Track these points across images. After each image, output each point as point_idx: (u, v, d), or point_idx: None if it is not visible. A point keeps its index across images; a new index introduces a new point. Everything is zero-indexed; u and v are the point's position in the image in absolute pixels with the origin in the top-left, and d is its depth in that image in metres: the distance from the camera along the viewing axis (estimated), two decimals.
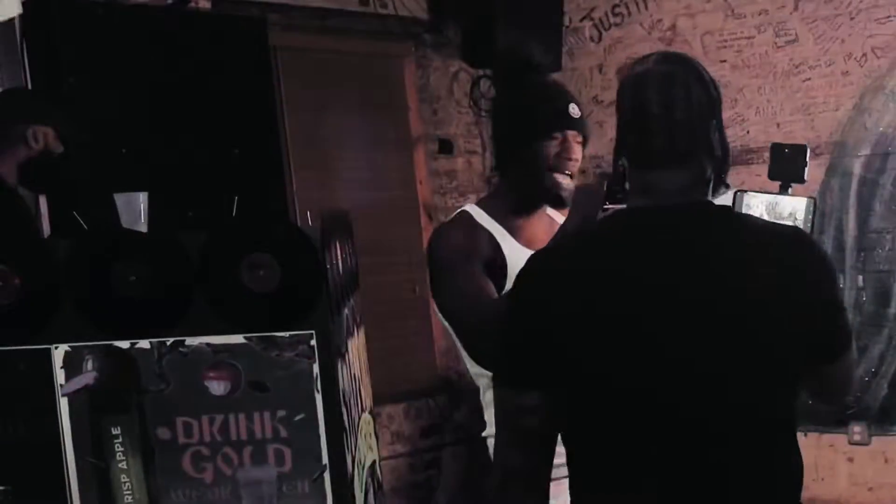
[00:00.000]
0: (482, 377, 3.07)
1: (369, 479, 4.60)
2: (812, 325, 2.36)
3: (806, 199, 3.07)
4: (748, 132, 6.36)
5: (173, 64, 4.51)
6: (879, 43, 6.00)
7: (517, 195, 3.10)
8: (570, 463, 2.46)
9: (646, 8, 6.57)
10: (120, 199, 3.75)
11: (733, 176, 6.47)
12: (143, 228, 3.74)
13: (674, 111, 2.35)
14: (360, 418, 4.48)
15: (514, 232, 3.06)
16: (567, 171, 3.06)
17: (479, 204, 3.13)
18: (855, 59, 6.06)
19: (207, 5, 5.20)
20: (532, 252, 2.68)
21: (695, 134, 2.39)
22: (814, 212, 3.19)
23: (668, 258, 2.34)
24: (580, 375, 2.34)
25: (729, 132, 6.46)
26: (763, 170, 6.19)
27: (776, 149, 2.80)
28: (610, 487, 2.38)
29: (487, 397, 3.02)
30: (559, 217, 3.20)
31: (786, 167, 3.31)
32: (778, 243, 2.42)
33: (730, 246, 2.39)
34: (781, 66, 6.28)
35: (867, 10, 6.05)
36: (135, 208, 3.73)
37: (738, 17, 6.35)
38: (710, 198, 2.46)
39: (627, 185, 2.45)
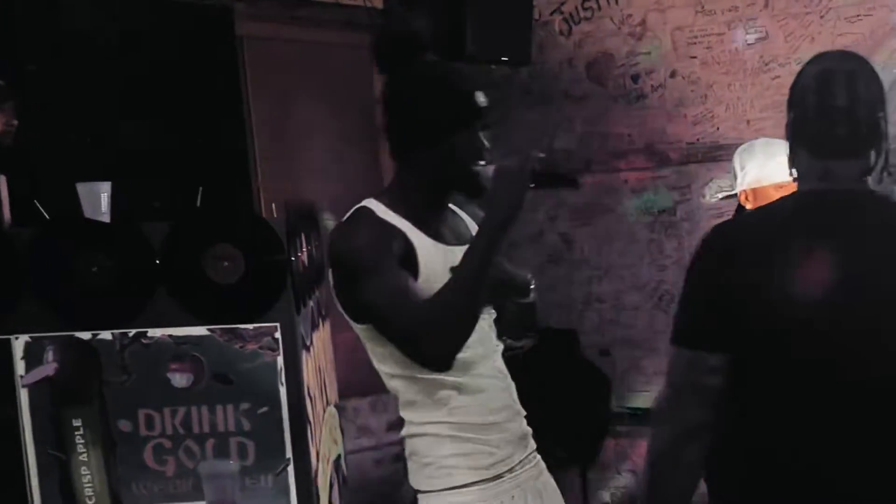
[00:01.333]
0: (398, 378, 2.90)
1: (334, 474, 4.62)
2: None
3: None
4: (718, 128, 6.39)
5: (138, 53, 4.52)
6: (849, 41, 6.02)
7: (426, 189, 2.88)
8: (729, 424, 2.65)
9: (616, 2, 6.58)
10: (82, 188, 3.75)
11: (703, 172, 6.54)
12: (106, 218, 3.75)
13: (857, 105, 2.60)
14: (325, 412, 4.50)
15: (421, 226, 2.85)
16: (481, 161, 2.85)
17: (379, 199, 2.89)
18: None
19: None
20: (441, 245, 2.85)
21: (873, 127, 2.63)
22: None
23: (844, 238, 2.56)
24: (761, 340, 2.55)
25: (698, 129, 6.54)
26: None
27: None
28: (774, 451, 2.60)
29: (407, 396, 2.89)
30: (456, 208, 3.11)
31: None
32: None
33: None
34: (752, 62, 6.30)
35: (837, 8, 6.08)
36: (97, 198, 3.74)
37: (708, 13, 6.39)
38: (873, 186, 2.68)
39: (794, 172, 2.69)
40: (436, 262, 2.83)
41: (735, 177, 4.19)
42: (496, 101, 3.00)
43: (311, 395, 4.10)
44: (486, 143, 2.86)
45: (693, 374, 2.64)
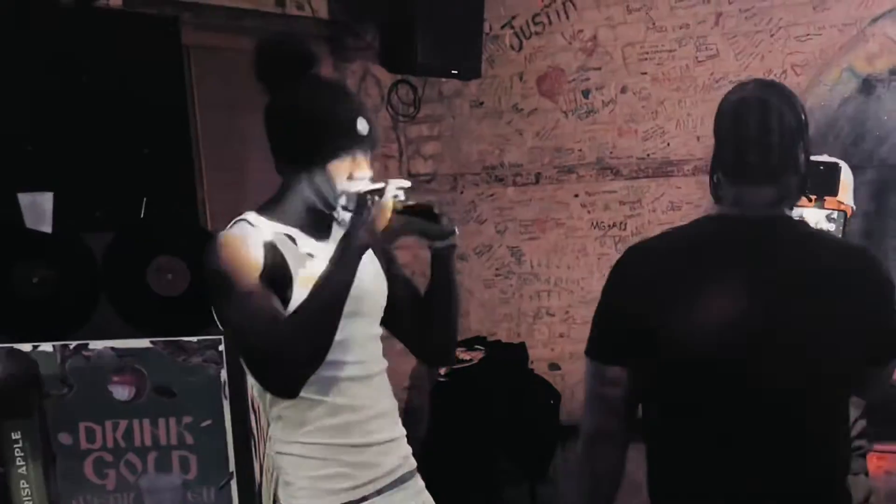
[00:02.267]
0: (266, 395, 2.85)
1: (278, 487, 4.62)
2: (872, 332, 2.68)
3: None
4: (668, 144, 6.42)
5: (84, 62, 4.49)
6: (799, 60, 6.10)
7: (303, 207, 2.86)
8: (646, 431, 2.83)
9: (567, 18, 6.62)
10: (24, 198, 3.74)
11: (653, 188, 6.57)
12: (48, 229, 3.73)
13: (769, 134, 2.68)
14: (269, 425, 4.51)
15: (296, 239, 2.83)
16: (352, 190, 2.83)
17: (260, 211, 2.86)
18: (775, 75, 6.12)
19: (119, 3, 5.17)
20: (319, 263, 2.80)
21: (785, 155, 2.70)
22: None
23: (752, 261, 2.66)
24: (666, 354, 2.66)
25: (648, 144, 6.57)
26: (684, 182, 6.37)
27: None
28: (684, 454, 2.76)
29: (273, 413, 2.85)
30: None
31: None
32: (847, 256, 2.76)
33: (806, 255, 2.71)
34: (702, 79, 6.33)
35: (787, 27, 6.12)
36: (40, 208, 3.73)
37: (659, 30, 6.42)
38: (789, 212, 2.78)
39: (714, 196, 2.79)
40: (308, 277, 2.79)
41: None
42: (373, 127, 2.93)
43: (256, 407, 4.09)
44: (368, 171, 2.86)
45: (596, 384, 2.80)
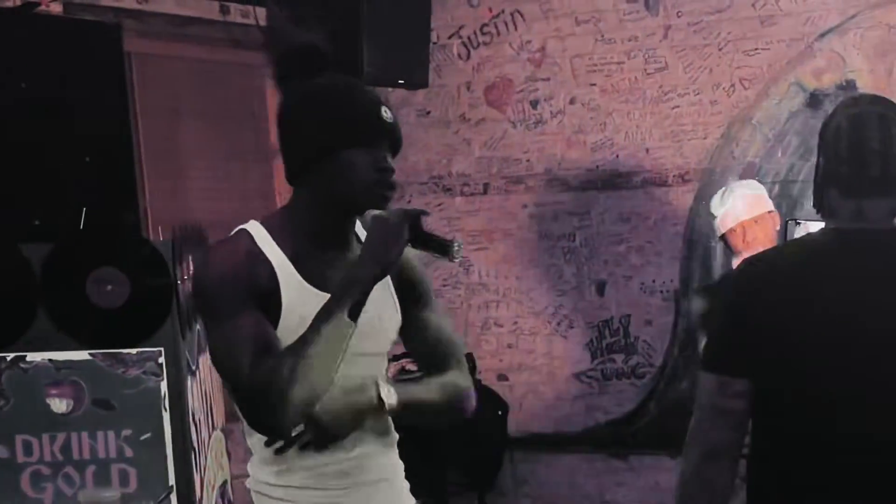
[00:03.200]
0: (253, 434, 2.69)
1: (219, 499, 4.59)
2: None
3: None
4: (617, 156, 6.45)
5: (22, 68, 4.45)
6: (746, 74, 6.15)
7: (322, 212, 2.65)
8: (756, 445, 2.86)
9: (515, 28, 6.63)
10: None
11: (602, 199, 6.59)
12: None
13: (890, 147, 2.75)
14: (211, 437, 4.48)
15: (299, 262, 2.61)
16: (387, 186, 2.67)
17: (264, 221, 2.66)
18: (723, 88, 6.19)
19: (60, 9, 5.13)
20: (313, 290, 2.62)
21: None
22: None
23: (879, 273, 2.75)
24: (788, 368, 2.73)
25: (597, 156, 6.60)
26: (632, 194, 6.40)
27: None
28: (802, 469, 2.78)
29: (247, 443, 2.72)
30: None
31: None
32: None
33: None
34: (651, 92, 6.39)
35: (735, 41, 6.18)
36: None
37: (608, 41, 6.44)
38: None
39: (826, 211, 2.86)
40: (302, 306, 2.58)
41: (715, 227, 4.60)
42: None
43: (197, 420, 4.07)
44: (391, 164, 2.68)
45: (718, 398, 2.82)
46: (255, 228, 2.65)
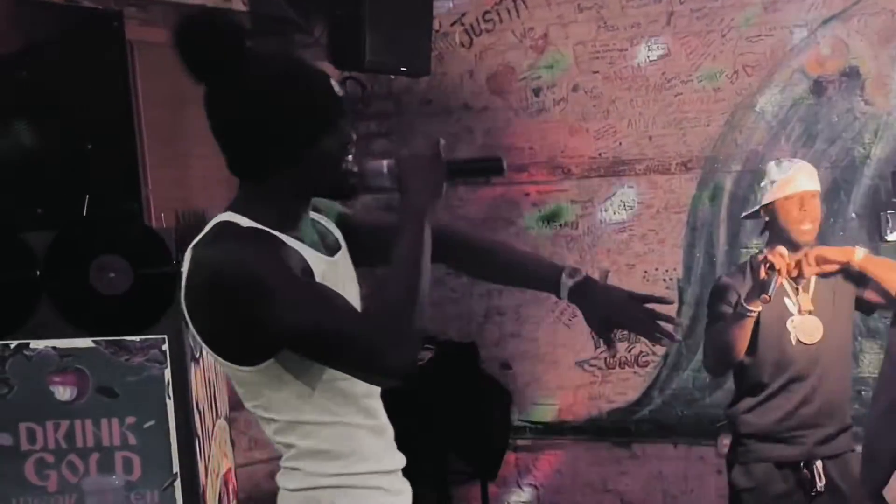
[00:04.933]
0: (304, 425, 2.54)
1: (224, 488, 4.61)
2: None
3: None
4: (620, 144, 6.45)
5: (24, 56, 4.47)
6: (750, 61, 6.15)
7: (285, 199, 2.51)
8: None
9: (517, 15, 6.63)
10: None
11: (605, 186, 6.59)
12: None
13: None
14: (215, 425, 4.50)
15: (296, 237, 2.51)
16: (350, 158, 2.53)
17: (238, 211, 2.49)
18: (726, 75, 6.20)
19: None
20: (324, 257, 2.56)
21: None
22: None
23: None
24: None
25: (600, 143, 6.60)
26: (635, 181, 6.40)
27: None
28: None
29: (310, 445, 2.55)
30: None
31: None
32: None
33: None
34: (654, 79, 6.39)
35: (738, 28, 6.17)
36: None
37: (610, 28, 6.45)
38: None
39: None
40: (328, 274, 2.51)
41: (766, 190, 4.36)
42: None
43: (200, 408, 4.09)
44: (352, 134, 2.54)
45: None
46: (238, 219, 2.48)
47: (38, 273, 3.73)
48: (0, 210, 3.76)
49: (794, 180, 4.29)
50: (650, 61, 6.42)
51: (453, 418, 6.33)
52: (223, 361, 2.49)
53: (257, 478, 6.33)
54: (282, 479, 2.63)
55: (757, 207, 4.36)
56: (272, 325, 2.34)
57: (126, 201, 4.41)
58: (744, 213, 4.63)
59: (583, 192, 6.59)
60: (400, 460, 2.77)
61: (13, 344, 3.73)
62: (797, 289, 4.28)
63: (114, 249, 3.74)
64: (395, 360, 2.37)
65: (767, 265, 3.99)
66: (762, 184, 4.36)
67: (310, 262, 2.47)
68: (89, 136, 4.44)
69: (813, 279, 4.33)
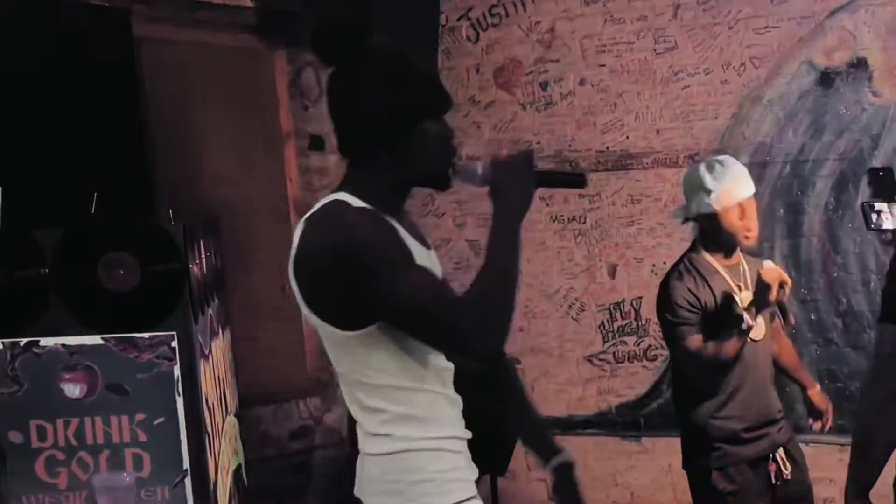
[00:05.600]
0: (399, 390, 2.68)
1: (233, 484, 4.62)
2: None
3: None
4: (627, 137, 6.44)
5: (33, 54, 4.47)
6: (757, 53, 6.15)
7: (389, 187, 2.69)
8: None
9: (524, 10, 6.62)
10: None
11: (613, 181, 6.59)
12: None
13: None
14: (224, 421, 4.50)
15: (401, 225, 2.69)
16: (454, 151, 2.74)
17: (350, 192, 2.67)
18: (733, 68, 6.18)
19: None
20: (423, 248, 2.73)
21: None
22: None
23: None
24: None
25: (607, 137, 6.59)
26: (643, 175, 6.40)
27: (872, 172, 3.81)
28: None
29: (401, 410, 2.69)
30: None
31: (886, 185, 4.41)
32: None
33: None
34: (661, 72, 6.38)
35: (745, 20, 6.16)
36: None
37: (617, 22, 6.45)
38: None
39: None
40: (425, 264, 2.66)
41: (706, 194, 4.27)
42: None
43: (210, 404, 4.09)
44: (453, 131, 2.75)
45: None
46: (349, 198, 2.66)
47: (46, 271, 3.74)
48: (10, 209, 3.76)
49: (732, 190, 4.25)
50: (657, 54, 6.41)
51: (463, 414, 6.33)
52: (325, 324, 2.64)
53: (267, 475, 6.35)
54: (368, 445, 2.78)
55: (694, 215, 4.33)
56: (382, 298, 2.52)
57: (133, 198, 4.43)
58: (675, 215, 4.57)
59: (591, 185, 6.58)
60: (467, 431, 2.89)
61: (23, 342, 3.74)
62: (739, 285, 4.27)
63: (122, 246, 3.74)
64: (489, 345, 2.55)
65: (777, 283, 3.99)
66: (696, 192, 4.29)
67: (412, 249, 2.64)
68: (98, 134, 4.46)
69: (748, 275, 4.35)
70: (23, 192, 3.90)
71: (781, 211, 6.17)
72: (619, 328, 6.64)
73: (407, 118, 2.65)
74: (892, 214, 4.39)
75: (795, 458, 4.39)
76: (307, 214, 2.68)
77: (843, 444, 5.86)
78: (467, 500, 2.79)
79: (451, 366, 2.82)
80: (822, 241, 6.09)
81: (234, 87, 6.68)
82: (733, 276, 4.28)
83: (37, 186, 4.14)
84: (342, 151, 2.75)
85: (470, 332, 2.53)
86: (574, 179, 2.96)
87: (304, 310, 2.69)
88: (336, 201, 2.65)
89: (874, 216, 4.39)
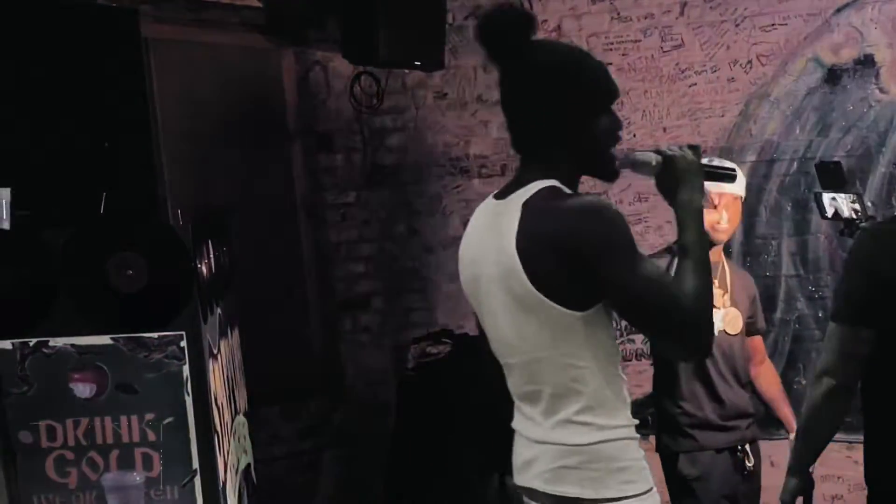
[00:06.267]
0: (599, 374, 2.75)
1: (243, 483, 4.62)
2: None
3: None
4: (634, 135, 6.41)
5: (40, 54, 4.47)
6: (764, 50, 6.13)
7: (569, 174, 2.80)
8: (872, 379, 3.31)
9: (531, 8, 6.57)
10: None
11: (620, 179, 6.63)
12: (5, 225, 3.73)
13: None
14: (233, 420, 4.50)
15: None
16: (618, 142, 2.86)
17: (557, 180, 2.77)
18: (740, 65, 6.18)
19: None
20: None
21: None
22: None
23: None
24: None
25: None
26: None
27: (822, 165, 4.00)
28: None
29: (597, 395, 2.76)
30: None
31: (836, 176, 4.53)
32: None
33: None
34: (667, 70, 6.37)
35: (752, 17, 6.15)
36: None
37: (623, 20, 6.44)
38: None
39: None
40: None
41: None
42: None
43: (219, 404, 4.10)
44: (621, 122, 2.86)
45: (848, 345, 3.26)
46: (559, 185, 2.77)
47: (55, 270, 3.74)
48: (18, 209, 3.76)
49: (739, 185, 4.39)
50: (664, 52, 6.40)
51: (470, 410, 6.32)
52: (550, 302, 2.68)
53: (277, 474, 6.36)
54: (566, 435, 2.80)
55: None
56: (620, 281, 2.63)
57: (142, 198, 4.43)
58: None
59: (598, 183, 6.53)
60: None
61: (32, 342, 3.74)
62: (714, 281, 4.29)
63: (131, 246, 3.74)
64: (704, 341, 2.72)
65: None
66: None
67: None
68: (106, 133, 4.46)
69: (728, 274, 4.54)
70: (31, 192, 3.90)
71: (789, 208, 6.16)
72: (626, 326, 6.62)
73: (582, 117, 2.76)
74: (843, 204, 4.47)
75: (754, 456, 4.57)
76: (525, 199, 2.74)
77: (850, 443, 5.86)
78: (650, 490, 2.87)
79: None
80: (830, 238, 6.07)
81: (243, 86, 6.69)
82: None
83: (45, 187, 4.14)
84: (514, 145, 2.87)
85: (694, 329, 2.67)
86: (728, 174, 3.10)
87: (523, 289, 2.72)
88: (555, 187, 2.74)
89: (829, 207, 4.48)
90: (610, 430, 2.79)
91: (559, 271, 2.66)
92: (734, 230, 4.68)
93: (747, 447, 4.54)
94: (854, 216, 4.46)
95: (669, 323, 2.67)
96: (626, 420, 2.82)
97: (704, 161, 2.86)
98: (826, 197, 4.51)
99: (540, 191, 2.74)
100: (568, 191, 2.75)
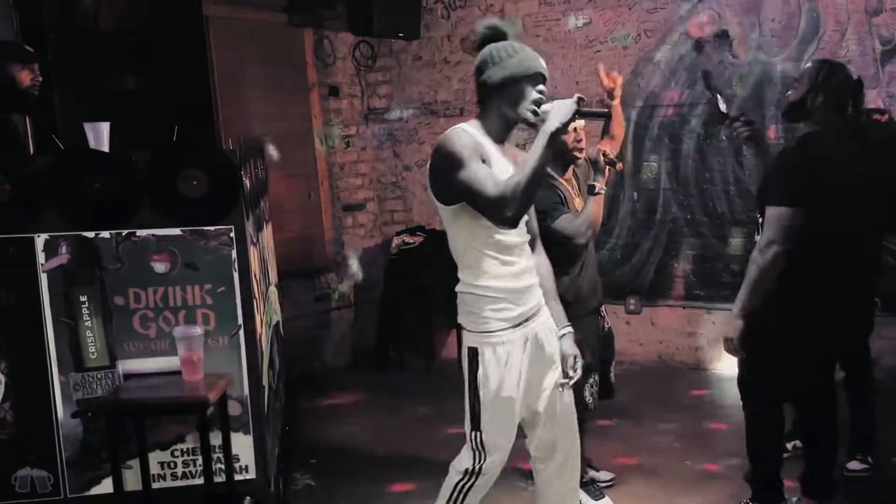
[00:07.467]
0: (468, 249, 3.00)
1: (274, 335, 4.65)
2: None
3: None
4: (556, 88, 6.40)
5: (129, 20, 4.41)
6: (649, 27, 6.12)
7: (500, 121, 2.99)
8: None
9: None
10: (88, 126, 3.70)
11: None
12: (105, 148, 3.70)
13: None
14: (268, 290, 4.52)
15: (494, 142, 2.99)
16: (538, 106, 2.94)
17: (470, 125, 3.00)
18: (632, 38, 6.18)
19: None
20: (502, 158, 2.99)
21: None
22: None
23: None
24: (827, 198, 3.39)
25: (541, 86, 6.53)
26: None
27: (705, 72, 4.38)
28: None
29: (465, 261, 3.03)
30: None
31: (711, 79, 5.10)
32: None
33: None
34: (580, 41, 6.35)
35: (641, 2, 6.13)
36: (100, 133, 3.69)
37: (548, 4, 6.41)
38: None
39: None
40: (500, 166, 2.95)
41: None
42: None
43: (257, 278, 4.10)
44: (544, 91, 2.97)
45: (787, 220, 3.39)
46: (466, 126, 2.98)
47: (141, 181, 3.72)
48: (114, 138, 3.73)
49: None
50: (577, 28, 6.36)
51: (437, 284, 6.36)
52: (437, 202, 3.00)
53: (297, 328, 6.40)
54: (459, 287, 3.08)
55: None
56: (455, 181, 2.88)
57: (203, 130, 4.40)
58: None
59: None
60: (523, 282, 3.09)
61: (124, 232, 3.72)
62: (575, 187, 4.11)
63: (195, 164, 3.72)
64: (506, 216, 2.85)
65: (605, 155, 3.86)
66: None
67: (491, 157, 2.94)
68: (180, 85, 4.41)
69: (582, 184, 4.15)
70: (126, 126, 3.87)
71: (666, 140, 6.18)
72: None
73: (513, 84, 2.94)
74: (721, 101, 4.56)
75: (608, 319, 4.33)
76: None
77: (708, 309, 5.95)
78: (496, 331, 3.03)
79: (517, 240, 3.02)
80: (696, 161, 6.10)
81: (274, 52, 6.61)
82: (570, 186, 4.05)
83: (135, 122, 4.12)
84: (478, 101, 3.03)
85: (499, 205, 2.82)
86: (603, 113, 3.18)
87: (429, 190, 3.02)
88: (456, 126, 2.98)
89: (722, 105, 4.53)
90: (466, 286, 3.05)
91: (434, 178, 2.98)
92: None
93: (603, 310, 4.25)
94: (727, 112, 4.55)
95: (481, 204, 2.87)
96: (484, 283, 3.00)
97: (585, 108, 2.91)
98: (720, 99, 4.58)
99: (453, 129, 2.97)
100: (465, 128, 2.95)
